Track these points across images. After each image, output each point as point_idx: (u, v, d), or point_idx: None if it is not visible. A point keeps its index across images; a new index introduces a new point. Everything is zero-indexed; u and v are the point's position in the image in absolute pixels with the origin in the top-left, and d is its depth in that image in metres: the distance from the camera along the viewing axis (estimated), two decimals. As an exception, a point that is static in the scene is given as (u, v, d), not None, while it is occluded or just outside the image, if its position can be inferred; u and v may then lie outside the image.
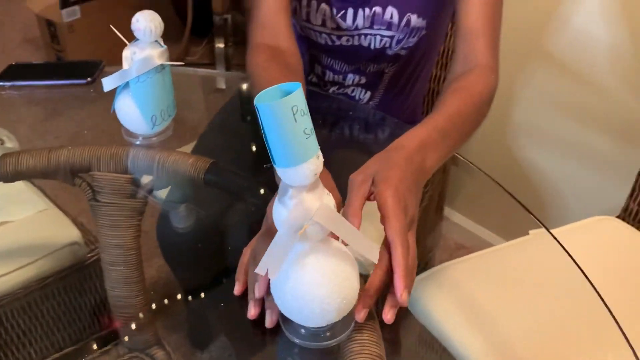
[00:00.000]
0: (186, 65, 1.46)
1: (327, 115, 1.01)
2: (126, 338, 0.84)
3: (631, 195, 1.11)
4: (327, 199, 0.44)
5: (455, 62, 0.81)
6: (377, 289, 0.52)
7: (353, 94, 1.02)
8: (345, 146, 0.99)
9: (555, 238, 0.72)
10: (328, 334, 0.50)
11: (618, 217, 1.11)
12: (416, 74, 1.01)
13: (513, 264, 0.91)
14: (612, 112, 1.31)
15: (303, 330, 0.50)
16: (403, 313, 0.55)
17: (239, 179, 0.68)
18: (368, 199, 0.57)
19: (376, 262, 0.50)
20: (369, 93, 1.01)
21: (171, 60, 0.73)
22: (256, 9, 0.85)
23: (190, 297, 0.98)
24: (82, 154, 0.74)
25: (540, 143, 1.49)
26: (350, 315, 0.50)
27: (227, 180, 0.69)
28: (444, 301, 0.83)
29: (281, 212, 0.43)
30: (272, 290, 0.48)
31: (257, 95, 0.40)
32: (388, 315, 0.51)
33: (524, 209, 0.78)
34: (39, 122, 2.15)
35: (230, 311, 0.70)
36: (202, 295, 0.89)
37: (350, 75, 0.99)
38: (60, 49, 2.36)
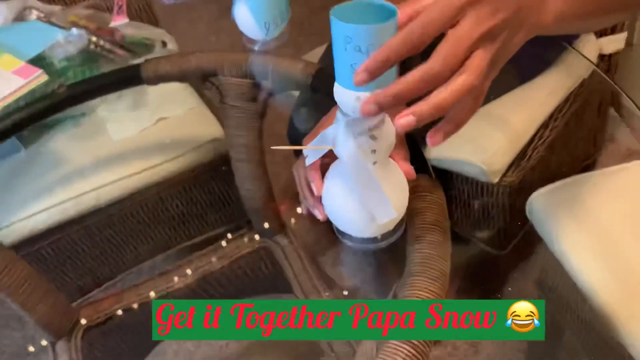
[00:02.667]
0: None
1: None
2: (257, 225, 0.94)
3: None
4: (371, 142, 0.43)
5: None
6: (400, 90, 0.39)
7: None
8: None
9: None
10: (379, 237, 0.51)
11: None
12: None
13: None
14: None
15: (353, 237, 0.52)
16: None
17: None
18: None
19: (380, 222, 0.45)
20: None
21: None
22: None
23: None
24: (209, 59, 0.80)
25: None
26: (402, 222, 0.51)
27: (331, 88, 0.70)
28: (566, 217, 0.78)
29: (328, 131, 0.45)
30: (324, 203, 0.50)
31: (342, 4, 0.39)
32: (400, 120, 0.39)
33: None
34: (213, 20, 2.31)
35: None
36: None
37: None
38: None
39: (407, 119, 0.39)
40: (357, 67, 0.39)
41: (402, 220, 0.51)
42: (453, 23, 0.39)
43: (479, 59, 0.39)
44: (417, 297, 0.47)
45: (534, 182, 0.97)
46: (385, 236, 0.52)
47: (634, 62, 1.36)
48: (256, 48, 0.81)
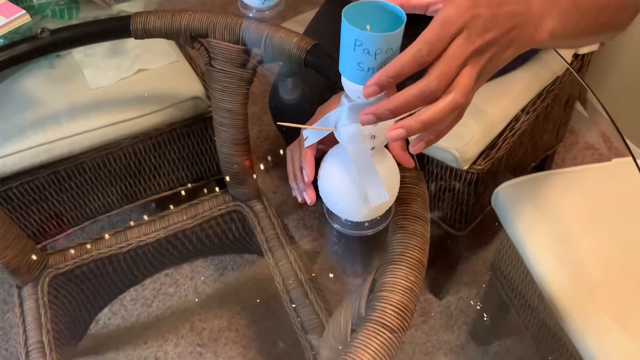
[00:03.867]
0: None
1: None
2: (231, 188, 0.96)
3: None
4: (372, 127, 0.46)
5: None
6: (396, 71, 0.42)
7: None
8: None
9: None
10: (366, 224, 0.54)
11: None
12: None
13: (609, 187, 0.87)
14: None
15: (343, 220, 0.55)
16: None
17: (336, 65, 0.70)
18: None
19: (372, 204, 0.49)
20: None
21: None
22: None
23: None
24: (201, 20, 0.79)
25: None
26: (391, 209, 0.54)
27: (324, 64, 0.71)
28: (528, 210, 0.83)
29: (331, 114, 0.47)
30: (319, 185, 0.53)
31: (354, 3, 0.41)
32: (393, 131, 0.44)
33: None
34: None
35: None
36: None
37: None
38: None
39: (397, 131, 0.44)
40: (364, 66, 0.42)
41: (388, 211, 0.54)
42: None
43: (467, 78, 0.43)
44: (395, 284, 0.50)
45: (499, 170, 1.03)
46: (372, 224, 0.55)
47: (605, 61, 1.42)
48: (250, 14, 0.80)
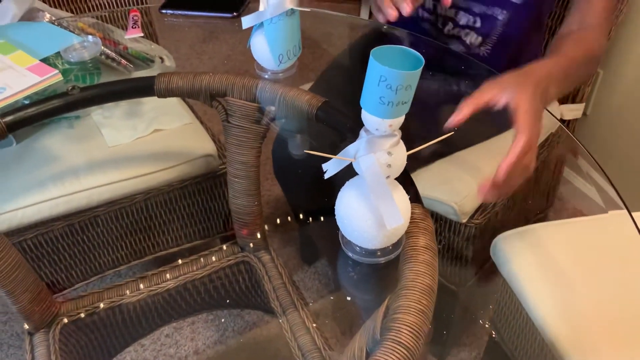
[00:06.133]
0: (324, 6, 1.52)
1: (438, 64, 1.05)
2: (240, 240, 1.00)
3: None
4: (388, 157, 0.52)
5: (571, 17, 0.86)
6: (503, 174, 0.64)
7: (465, 39, 1.04)
8: (447, 99, 1.03)
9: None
10: (379, 253, 0.59)
11: None
12: (528, 28, 1.01)
13: (604, 237, 0.92)
14: None
15: (358, 249, 0.59)
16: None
17: (345, 119, 0.77)
18: (492, 102, 0.66)
19: (389, 227, 0.55)
20: (480, 38, 1.03)
21: None
22: None
23: (298, 217, 1.11)
24: (220, 81, 0.87)
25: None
26: (401, 241, 0.59)
27: (334, 119, 0.78)
28: (527, 257, 0.87)
29: (350, 147, 0.53)
30: (337, 213, 0.58)
31: (381, 47, 0.49)
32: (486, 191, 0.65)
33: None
34: (198, 44, 2.38)
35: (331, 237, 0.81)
36: (308, 216, 1.01)
37: (462, 14, 1.00)
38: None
39: (489, 194, 0.63)
40: (385, 100, 0.48)
41: (399, 242, 0.59)
42: None
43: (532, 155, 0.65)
44: (409, 307, 0.54)
45: (496, 227, 1.08)
46: (384, 253, 0.59)
47: (587, 131, 1.51)
48: (266, 76, 0.88)
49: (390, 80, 0.47)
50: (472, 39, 1.03)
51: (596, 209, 1.71)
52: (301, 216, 1.26)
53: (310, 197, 1.09)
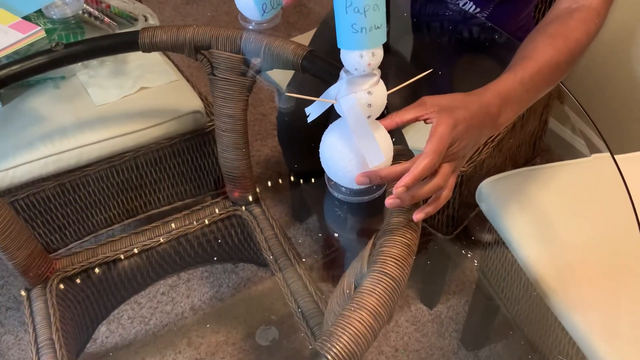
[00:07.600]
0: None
1: (436, 21, 1.05)
2: (230, 194, 1.01)
3: None
4: (368, 96, 0.52)
5: None
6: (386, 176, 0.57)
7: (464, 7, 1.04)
8: (448, 57, 1.03)
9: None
10: (364, 192, 0.60)
11: None
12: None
13: (587, 179, 0.94)
14: None
15: (343, 189, 0.61)
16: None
17: (331, 68, 0.77)
18: (420, 119, 0.60)
19: (370, 165, 0.55)
20: (478, 8, 1.02)
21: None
22: None
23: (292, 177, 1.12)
24: (204, 33, 0.86)
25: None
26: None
27: (320, 68, 0.78)
28: (512, 200, 0.90)
29: (331, 89, 0.53)
30: (321, 154, 0.59)
31: None
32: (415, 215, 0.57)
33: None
34: (182, 5, 2.35)
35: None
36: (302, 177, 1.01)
37: None
38: None
39: (394, 200, 0.55)
40: (357, 27, 0.49)
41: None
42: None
43: (446, 169, 0.58)
44: (394, 240, 0.56)
45: (481, 175, 1.09)
46: (369, 192, 0.61)
47: (573, 77, 1.52)
48: (250, 27, 0.88)
49: (357, 3, 0.47)
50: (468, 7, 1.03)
51: (581, 156, 1.74)
52: (297, 178, 1.27)
53: (309, 159, 1.10)
